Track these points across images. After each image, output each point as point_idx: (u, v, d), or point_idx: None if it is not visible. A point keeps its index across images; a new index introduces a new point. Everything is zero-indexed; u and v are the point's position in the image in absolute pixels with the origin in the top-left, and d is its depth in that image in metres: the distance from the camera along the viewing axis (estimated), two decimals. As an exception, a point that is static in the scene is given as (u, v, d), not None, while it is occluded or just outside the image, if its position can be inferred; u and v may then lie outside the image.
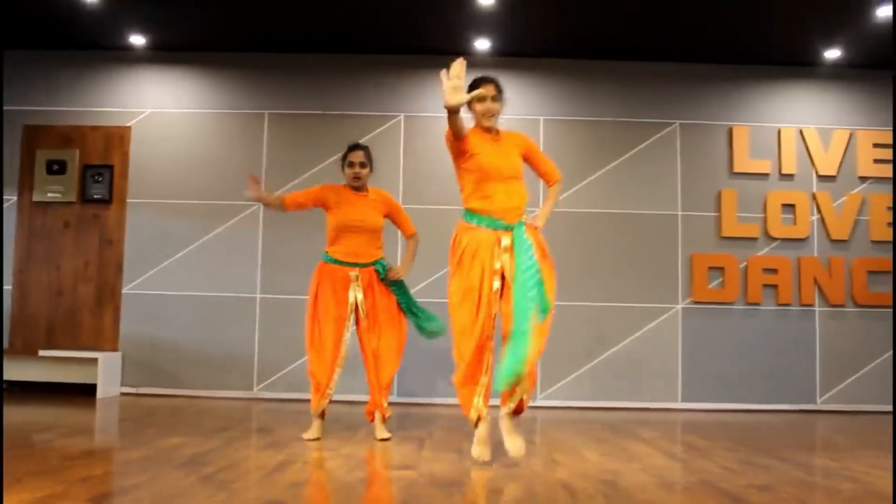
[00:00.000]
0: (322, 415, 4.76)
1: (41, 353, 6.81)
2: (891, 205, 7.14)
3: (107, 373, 6.76)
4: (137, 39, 7.10)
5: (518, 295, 3.79)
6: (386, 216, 5.00)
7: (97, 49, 7.27)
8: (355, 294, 4.76)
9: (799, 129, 7.25)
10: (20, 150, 7.24)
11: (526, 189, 4.17)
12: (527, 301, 3.75)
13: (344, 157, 4.97)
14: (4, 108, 7.09)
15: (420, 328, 4.92)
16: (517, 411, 3.98)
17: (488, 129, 4.17)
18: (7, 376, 6.80)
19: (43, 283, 7.16)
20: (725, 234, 7.11)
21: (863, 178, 7.22)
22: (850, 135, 7.24)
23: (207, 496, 3.03)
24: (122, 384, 7.00)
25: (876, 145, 7.23)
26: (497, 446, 4.17)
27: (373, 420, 4.82)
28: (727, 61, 7.25)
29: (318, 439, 4.66)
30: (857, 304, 7.11)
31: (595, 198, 7.17)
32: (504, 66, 7.24)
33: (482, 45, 7.03)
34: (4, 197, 7.18)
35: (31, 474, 3.33)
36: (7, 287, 7.11)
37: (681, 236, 7.14)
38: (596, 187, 7.19)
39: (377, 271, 4.84)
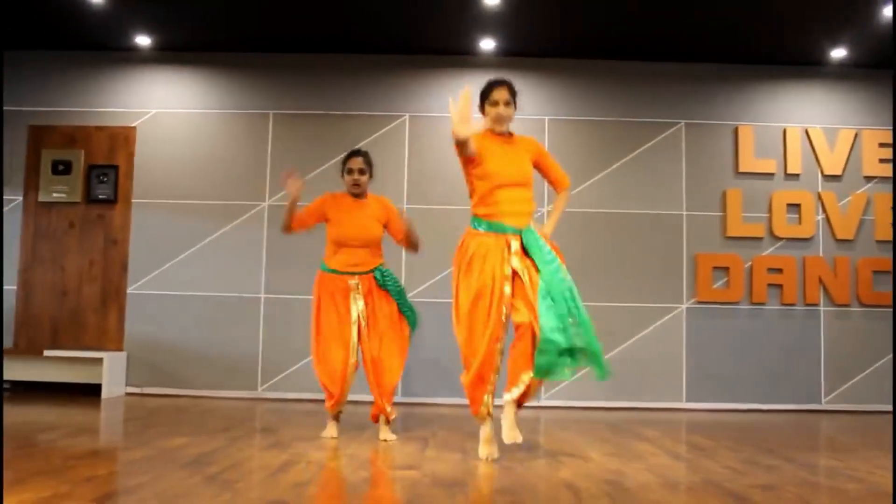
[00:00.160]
0: (337, 416, 4.82)
1: (46, 353, 6.83)
2: (896, 204, 7.13)
3: (111, 373, 6.77)
4: (143, 40, 7.12)
5: (552, 285, 3.81)
6: (385, 224, 4.92)
7: (102, 49, 7.29)
8: (356, 303, 4.72)
9: (804, 128, 7.23)
10: (26, 151, 7.26)
11: (533, 197, 4.15)
12: (563, 290, 3.81)
13: (343, 164, 4.91)
14: (10, 108, 7.11)
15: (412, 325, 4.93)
16: (520, 401, 3.96)
17: (500, 133, 4.14)
18: (12, 376, 6.82)
19: (48, 284, 7.17)
20: (730, 233, 7.10)
21: (868, 178, 7.21)
22: (856, 134, 7.23)
23: (211, 496, 3.03)
24: (127, 384, 7.02)
25: (881, 145, 7.21)
26: (502, 448, 4.17)
27: (377, 422, 4.82)
28: (732, 61, 7.24)
29: (334, 438, 4.72)
30: (861, 304, 7.09)
31: (600, 197, 7.16)
32: (509, 66, 7.24)
33: (487, 44, 7.03)
34: (10, 197, 7.21)
35: (35, 474, 3.34)
36: (12, 287, 7.13)
37: (686, 236, 7.13)
38: (601, 187, 7.18)
39: (376, 278, 4.79)
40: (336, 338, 4.70)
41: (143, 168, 7.24)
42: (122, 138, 7.28)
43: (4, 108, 6.91)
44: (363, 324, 4.74)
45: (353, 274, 4.76)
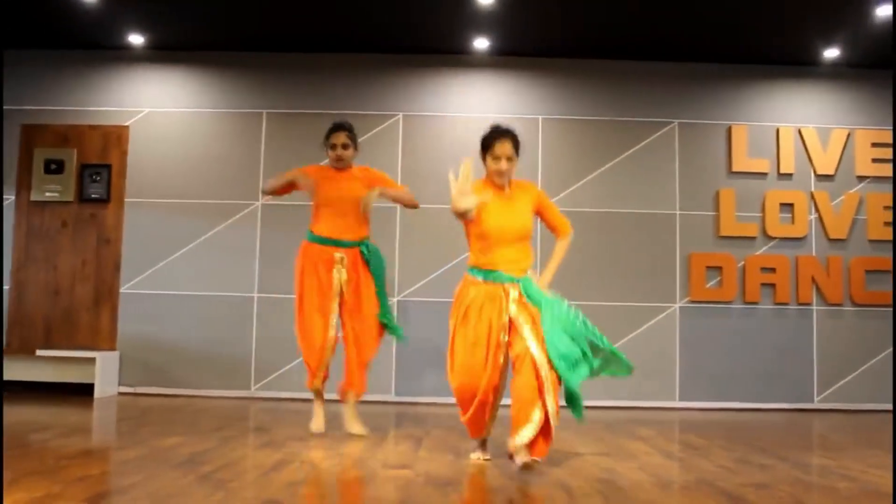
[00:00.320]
0: (320, 395, 4.81)
1: (38, 352, 6.81)
2: (888, 204, 7.13)
3: (104, 372, 6.75)
4: (136, 39, 7.10)
5: (566, 323, 3.74)
6: (370, 188, 4.85)
7: (95, 48, 7.27)
8: (339, 275, 4.71)
9: (797, 128, 7.25)
10: (18, 150, 7.23)
11: (531, 250, 4.07)
12: (576, 323, 3.75)
13: (326, 138, 4.91)
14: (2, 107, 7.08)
15: (383, 320, 4.86)
16: (534, 447, 3.60)
17: (500, 186, 4.03)
18: (4, 376, 6.79)
19: (40, 283, 7.15)
20: (723, 233, 7.11)
21: (861, 178, 7.23)
22: (849, 134, 7.24)
23: (205, 496, 3.03)
24: (120, 384, 7.00)
25: (874, 145, 7.23)
26: (496, 446, 4.18)
27: (343, 400, 4.80)
28: (726, 61, 7.25)
29: (321, 433, 4.70)
30: (854, 304, 7.11)
31: (593, 197, 7.17)
32: (502, 66, 7.26)
33: (481, 43, 7.03)
34: (3, 196, 7.18)
35: (28, 474, 3.33)
36: (4, 286, 7.11)
37: (679, 235, 7.14)
38: (594, 186, 7.19)
39: (362, 252, 4.78)
40: (316, 309, 4.70)
41: (136, 167, 7.22)
42: (115, 137, 7.26)
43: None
44: (345, 297, 4.71)
45: (339, 245, 4.73)
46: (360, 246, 4.79)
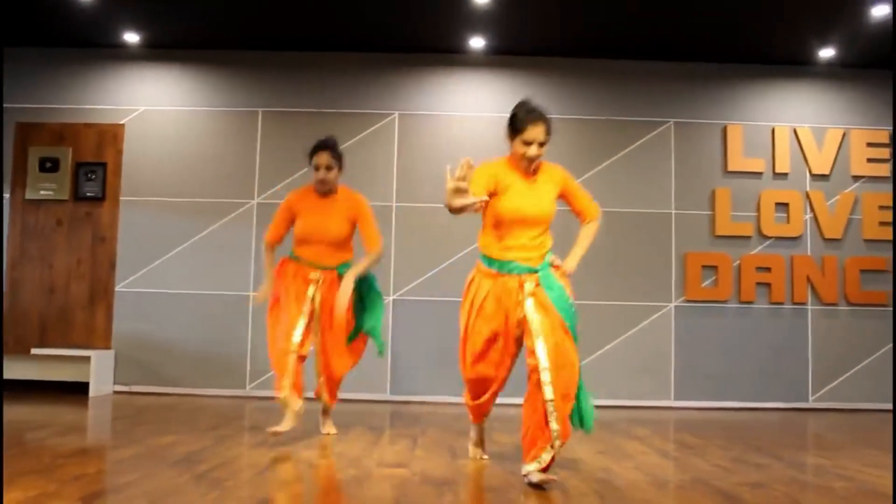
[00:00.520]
0: (287, 405, 4.38)
1: (33, 351, 6.79)
2: (884, 204, 7.15)
3: (99, 371, 6.74)
4: (131, 37, 7.08)
5: (564, 323, 3.55)
6: (353, 222, 4.66)
7: (91, 46, 7.25)
8: (313, 294, 4.54)
9: (793, 127, 7.26)
10: (13, 148, 7.21)
11: (550, 237, 3.81)
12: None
13: (309, 159, 4.63)
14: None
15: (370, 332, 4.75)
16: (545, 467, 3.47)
17: (524, 169, 3.77)
18: (-1, 374, 6.78)
19: (35, 281, 7.13)
20: (719, 232, 7.12)
21: (856, 177, 7.24)
22: (844, 134, 7.26)
23: (200, 494, 3.02)
24: (115, 382, 6.99)
25: (869, 144, 7.24)
26: (493, 444, 4.17)
27: (318, 397, 4.78)
28: (722, 60, 7.26)
29: (278, 433, 4.36)
30: (849, 303, 7.12)
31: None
32: (498, 65, 7.26)
33: (477, 42, 7.02)
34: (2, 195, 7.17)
35: (24, 473, 3.32)
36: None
37: (674, 235, 7.14)
38: (590, 186, 7.13)
39: (340, 275, 4.58)
40: (284, 317, 4.51)
41: (132, 165, 7.20)
42: (111, 135, 7.24)
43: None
44: (315, 317, 4.56)
45: (318, 268, 4.59)
46: (338, 269, 4.62)
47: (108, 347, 7.02)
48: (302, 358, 4.46)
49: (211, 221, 7.11)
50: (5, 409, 5.59)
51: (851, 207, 7.18)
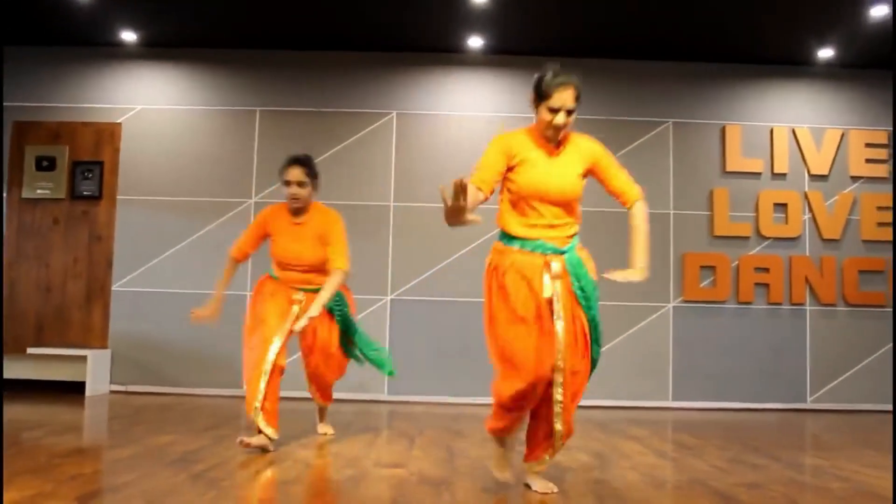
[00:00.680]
0: (258, 428, 4.11)
1: (30, 350, 6.78)
2: (882, 204, 7.15)
3: (96, 370, 6.73)
4: (128, 36, 7.07)
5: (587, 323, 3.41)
6: (325, 242, 4.37)
7: (88, 45, 7.23)
8: (298, 313, 4.31)
9: (791, 128, 7.25)
10: (9, 146, 7.20)
11: (578, 216, 3.55)
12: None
13: (280, 174, 4.40)
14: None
15: (373, 362, 4.64)
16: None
17: (549, 138, 3.41)
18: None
19: (32, 280, 7.12)
20: (717, 233, 7.11)
21: (854, 178, 7.23)
22: (843, 134, 7.25)
23: (197, 494, 3.01)
24: (112, 382, 6.97)
25: (868, 145, 7.24)
26: (490, 446, 4.16)
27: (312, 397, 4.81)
28: (720, 60, 7.25)
29: (248, 445, 4.07)
30: (847, 304, 7.12)
31: (587, 196, 7.08)
32: (496, 64, 7.25)
33: (475, 42, 7.02)
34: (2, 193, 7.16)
35: (20, 473, 3.31)
36: (-4, 284, 7.08)
37: (673, 235, 7.13)
38: (589, 185, 7.16)
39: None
40: (260, 329, 4.28)
41: (129, 164, 7.18)
42: (108, 134, 7.23)
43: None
44: (301, 334, 4.40)
45: (300, 290, 4.40)
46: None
47: (104, 347, 7.01)
48: (280, 370, 4.18)
49: (208, 221, 7.10)
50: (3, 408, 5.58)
51: (850, 208, 7.18)
